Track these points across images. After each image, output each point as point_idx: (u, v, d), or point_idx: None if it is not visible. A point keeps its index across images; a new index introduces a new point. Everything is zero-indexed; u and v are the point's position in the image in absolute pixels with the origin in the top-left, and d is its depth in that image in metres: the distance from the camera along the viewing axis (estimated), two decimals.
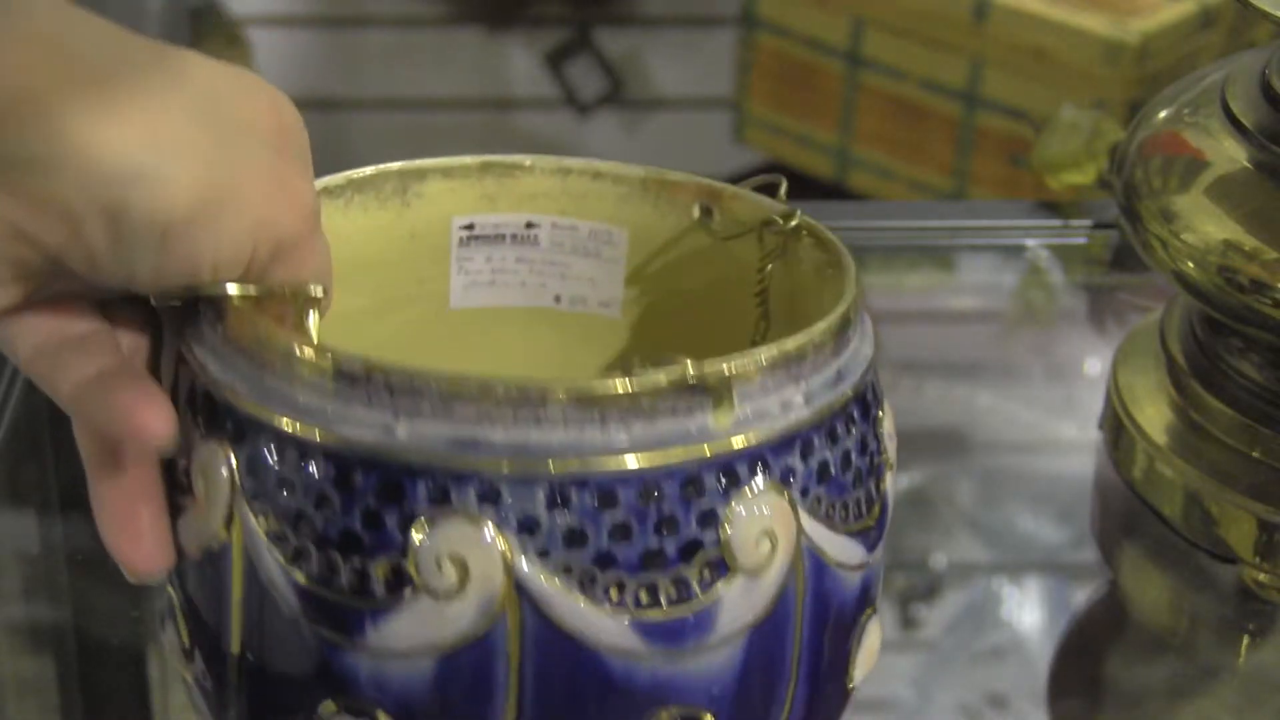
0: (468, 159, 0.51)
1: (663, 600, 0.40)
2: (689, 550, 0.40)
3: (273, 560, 0.41)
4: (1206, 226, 0.60)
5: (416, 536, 0.40)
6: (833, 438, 0.43)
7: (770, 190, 0.51)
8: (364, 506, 0.40)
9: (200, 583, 0.43)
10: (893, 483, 0.46)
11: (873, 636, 0.46)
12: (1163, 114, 0.64)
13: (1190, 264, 0.60)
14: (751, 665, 0.42)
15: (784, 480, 0.41)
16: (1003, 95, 1.53)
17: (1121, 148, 0.65)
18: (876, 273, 0.81)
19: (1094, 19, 1.49)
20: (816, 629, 0.43)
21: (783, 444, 0.41)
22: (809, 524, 0.42)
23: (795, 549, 0.42)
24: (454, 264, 0.51)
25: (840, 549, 0.43)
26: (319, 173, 0.47)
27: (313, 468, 0.40)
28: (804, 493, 0.42)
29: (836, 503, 0.43)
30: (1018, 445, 0.73)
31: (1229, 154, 0.60)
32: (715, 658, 0.42)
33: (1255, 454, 0.62)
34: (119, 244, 0.39)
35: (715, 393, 0.40)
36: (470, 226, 0.51)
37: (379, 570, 0.40)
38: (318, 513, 0.40)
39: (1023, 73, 1.52)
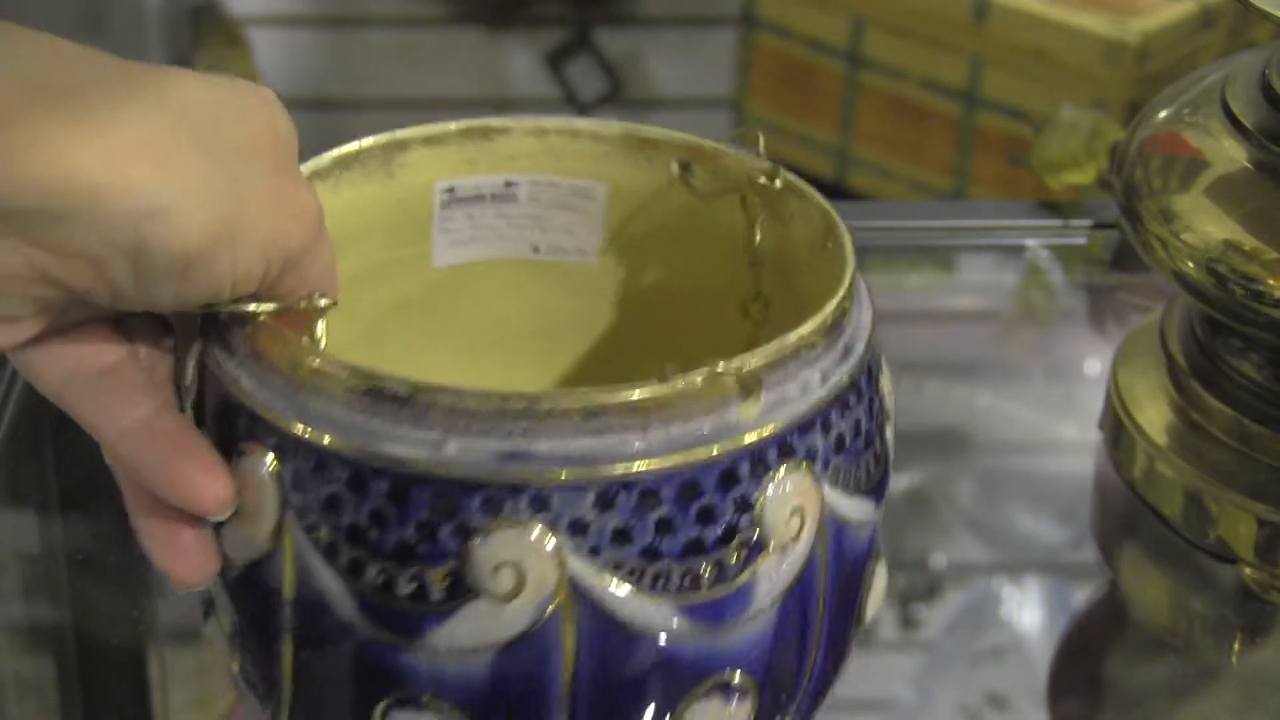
0: (448, 125, 0.52)
1: (704, 583, 0.43)
2: (727, 535, 0.43)
3: (326, 570, 0.43)
4: (1206, 226, 0.60)
5: (473, 546, 0.41)
6: (845, 409, 0.45)
7: (750, 146, 0.52)
8: (419, 520, 0.42)
9: (247, 584, 0.44)
10: (891, 434, 0.48)
11: (880, 581, 0.49)
12: (1163, 114, 0.64)
13: (1190, 264, 0.60)
14: (784, 628, 0.45)
15: (808, 458, 0.44)
16: (1003, 95, 1.53)
17: (1121, 148, 0.65)
18: (877, 273, 0.81)
19: (1094, 19, 1.49)
20: (836, 585, 0.46)
21: (805, 425, 0.44)
22: (830, 494, 0.44)
23: (820, 519, 0.44)
24: (436, 225, 0.53)
25: (855, 510, 0.46)
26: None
27: (365, 486, 0.42)
28: (825, 465, 0.44)
29: (851, 468, 0.45)
30: (1018, 445, 0.73)
31: (1229, 154, 0.60)
32: (752, 627, 0.44)
33: (1255, 454, 0.62)
34: (141, 278, 0.40)
35: (745, 388, 0.42)
36: (451, 190, 0.52)
37: (436, 579, 0.42)
38: (373, 528, 0.42)
39: (1023, 73, 1.52)
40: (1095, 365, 0.77)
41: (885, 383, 0.48)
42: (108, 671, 0.60)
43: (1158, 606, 0.64)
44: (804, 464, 0.44)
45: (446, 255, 0.53)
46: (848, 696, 0.60)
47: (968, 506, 0.70)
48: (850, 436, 0.45)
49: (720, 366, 0.42)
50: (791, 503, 0.43)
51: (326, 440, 0.42)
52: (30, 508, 0.68)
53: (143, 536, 0.44)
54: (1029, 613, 0.64)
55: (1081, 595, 0.66)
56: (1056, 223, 0.81)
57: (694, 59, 1.99)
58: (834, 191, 1.80)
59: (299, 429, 0.42)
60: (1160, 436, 0.64)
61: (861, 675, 0.61)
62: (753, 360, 0.43)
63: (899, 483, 0.69)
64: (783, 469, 0.43)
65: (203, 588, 0.45)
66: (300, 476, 0.42)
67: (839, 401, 0.44)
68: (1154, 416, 0.65)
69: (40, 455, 0.68)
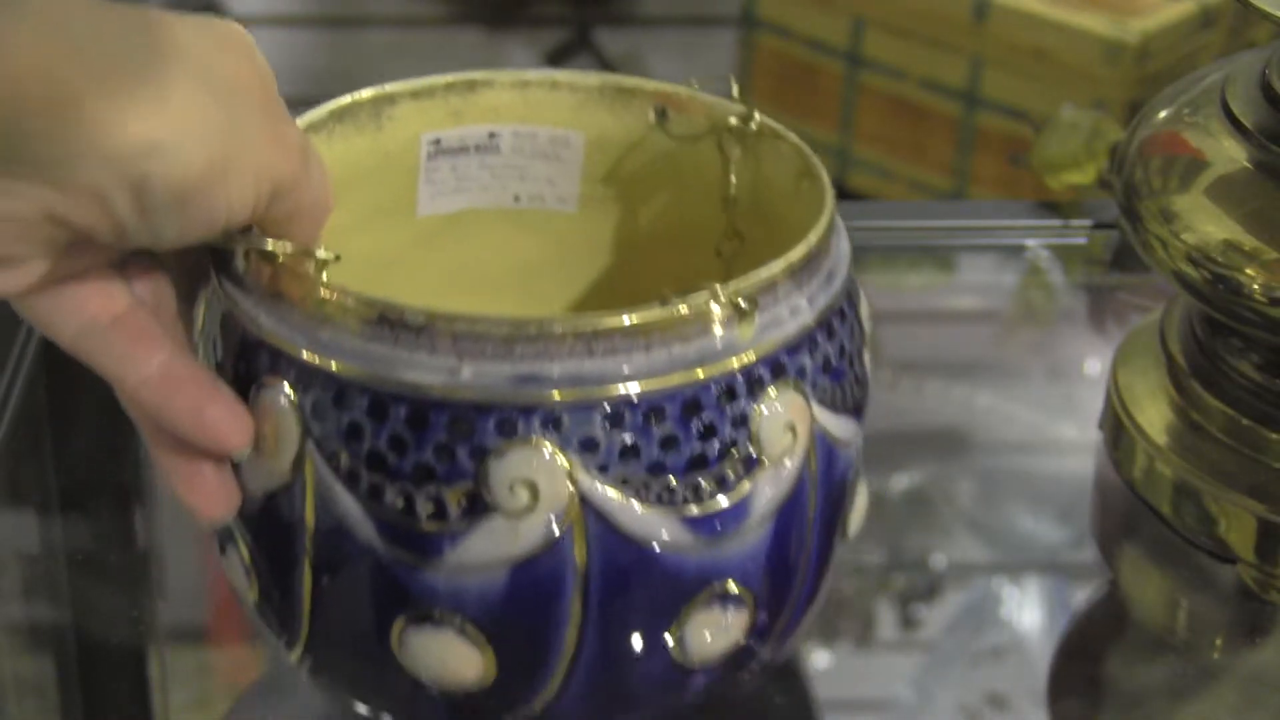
0: (435, 79, 0.54)
1: (706, 496, 0.46)
2: (726, 450, 0.46)
3: (348, 496, 0.45)
4: (1206, 226, 0.60)
5: (488, 466, 0.44)
6: (830, 332, 0.48)
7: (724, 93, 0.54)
8: (436, 443, 0.44)
9: (268, 515, 0.47)
10: (870, 359, 0.51)
11: (861, 497, 0.52)
12: (1163, 114, 0.64)
13: (1190, 264, 0.60)
14: (778, 539, 0.48)
15: (798, 377, 0.47)
16: (1003, 95, 1.53)
17: (1121, 148, 0.65)
18: (877, 272, 0.81)
19: (1094, 19, 1.49)
20: (825, 499, 0.49)
21: (795, 346, 0.47)
22: (819, 412, 0.47)
23: (810, 435, 0.47)
24: (422, 175, 0.55)
25: (841, 428, 0.49)
26: None
27: (383, 412, 0.44)
28: (813, 385, 0.47)
29: (836, 388, 0.48)
30: (1017, 445, 0.73)
31: (1229, 154, 0.60)
32: (749, 539, 0.47)
33: (1255, 454, 0.62)
34: (144, 214, 0.41)
35: (741, 310, 0.45)
36: (437, 141, 0.54)
37: (454, 498, 0.44)
38: (391, 452, 0.44)
39: (1022, 73, 1.52)
40: (1095, 365, 0.77)
41: (864, 309, 0.51)
42: (108, 672, 0.60)
43: (1157, 606, 0.64)
44: (795, 383, 0.46)
45: (432, 205, 0.55)
46: (848, 697, 0.60)
47: (968, 506, 0.69)
48: (835, 358, 0.48)
49: (718, 290, 0.45)
50: (785, 419, 0.46)
51: (345, 370, 0.44)
52: (30, 508, 0.68)
53: (165, 474, 0.46)
54: (1029, 613, 0.64)
55: (1081, 595, 0.66)
56: (1056, 223, 0.81)
57: (694, 59, 1.99)
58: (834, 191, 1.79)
59: (318, 361, 0.44)
60: (1160, 436, 0.64)
61: (861, 675, 0.61)
62: (747, 284, 0.45)
63: (899, 483, 0.69)
64: (776, 387, 0.46)
65: (226, 522, 0.47)
66: (320, 407, 0.45)
67: (825, 325, 0.47)
68: (1154, 416, 0.65)
69: (40, 455, 0.68)
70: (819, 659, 0.61)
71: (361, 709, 0.52)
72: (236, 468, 0.46)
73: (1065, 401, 0.75)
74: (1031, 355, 0.79)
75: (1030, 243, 0.81)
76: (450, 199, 0.56)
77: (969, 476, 0.71)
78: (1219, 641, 0.62)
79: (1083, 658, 0.62)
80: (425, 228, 0.56)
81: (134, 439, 0.71)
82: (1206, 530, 0.62)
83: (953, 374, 0.77)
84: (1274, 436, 0.62)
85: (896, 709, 0.59)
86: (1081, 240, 0.81)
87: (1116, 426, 0.66)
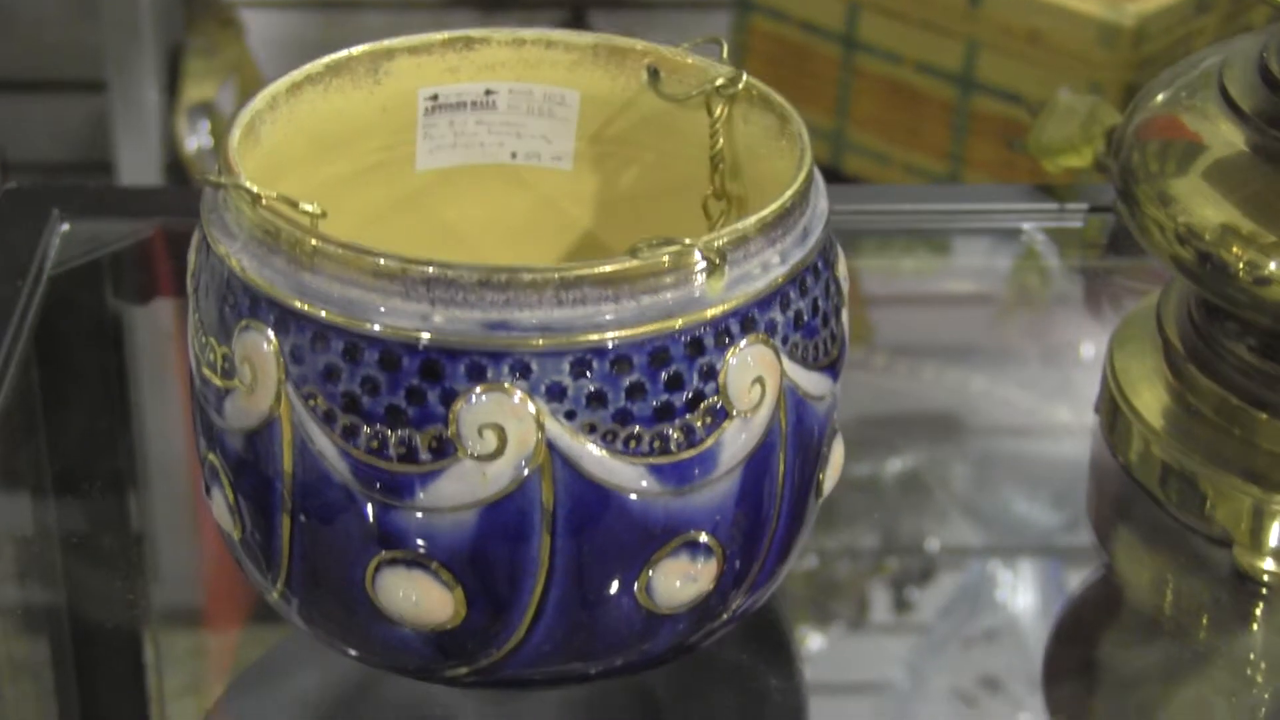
0: (432, 35, 0.55)
1: (673, 446, 0.47)
2: (694, 401, 0.47)
3: (323, 436, 0.46)
4: (1204, 210, 0.60)
5: (458, 410, 0.45)
6: (803, 289, 0.49)
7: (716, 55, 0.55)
8: (408, 386, 0.45)
9: (248, 455, 0.48)
10: (847, 317, 0.52)
11: (837, 454, 0.53)
12: (1160, 97, 0.63)
13: (1187, 248, 0.60)
14: (746, 492, 0.49)
15: (768, 331, 0.48)
16: (998, 79, 1.53)
17: (1118, 131, 0.65)
18: (871, 256, 0.81)
19: (1090, 2, 1.48)
20: (796, 454, 0.50)
21: (765, 300, 0.47)
22: (789, 366, 0.48)
23: (779, 390, 0.48)
24: (420, 131, 0.56)
25: (813, 384, 0.50)
26: None
27: (358, 356, 0.45)
28: (784, 340, 0.48)
29: (809, 344, 0.49)
30: (1013, 429, 0.73)
31: (1226, 137, 0.60)
32: (717, 490, 0.48)
33: (1250, 437, 0.62)
34: None
35: (711, 263, 0.46)
36: (435, 97, 0.55)
37: (425, 441, 0.46)
38: (365, 394, 0.46)
39: (1018, 56, 1.51)
40: (1090, 349, 0.77)
41: (841, 268, 0.52)
42: (102, 655, 0.60)
43: (1152, 589, 0.64)
44: (764, 337, 0.47)
45: (429, 160, 0.56)
46: (841, 679, 0.60)
47: (962, 490, 0.69)
48: (808, 314, 0.49)
49: (689, 243, 0.46)
50: (753, 373, 0.47)
51: (324, 314, 0.46)
52: (24, 490, 0.68)
53: None
54: (1023, 596, 0.64)
55: (1076, 578, 0.66)
56: (1052, 206, 0.80)
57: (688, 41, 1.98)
58: (829, 175, 1.79)
59: (298, 304, 0.46)
60: (1156, 420, 0.64)
61: (855, 658, 0.61)
62: (717, 239, 0.46)
63: (893, 466, 0.69)
64: (745, 341, 0.47)
65: None
66: (299, 349, 0.46)
67: (797, 281, 0.48)
68: (1150, 400, 0.65)
69: (34, 439, 0.68)
70: (812, 642, 0.61)
71: (349, 687, 0.54)
72: (220, 408, 0.48)
73: (1060, 385, 0.75)
74: (1027, 339, 0.79)
75: (1026, 226, 0.80)
76: (447, 154, 0.57)
77: (964, 460, 0.71)
78: (1213, 624, 0.62)
79: (1077, 641, 0.62)
80: (422, 183, 0.57)
81: (128, 422, 0.71)
82: (1201, 513, 0.62)
83: (948, 357, 0.77)
84: (1269, 420, 0.62)
85: (890, 692, 0.59)
86: (1078, 224, 0.81)
87: (1112, 410, 0.66)
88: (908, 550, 0.66)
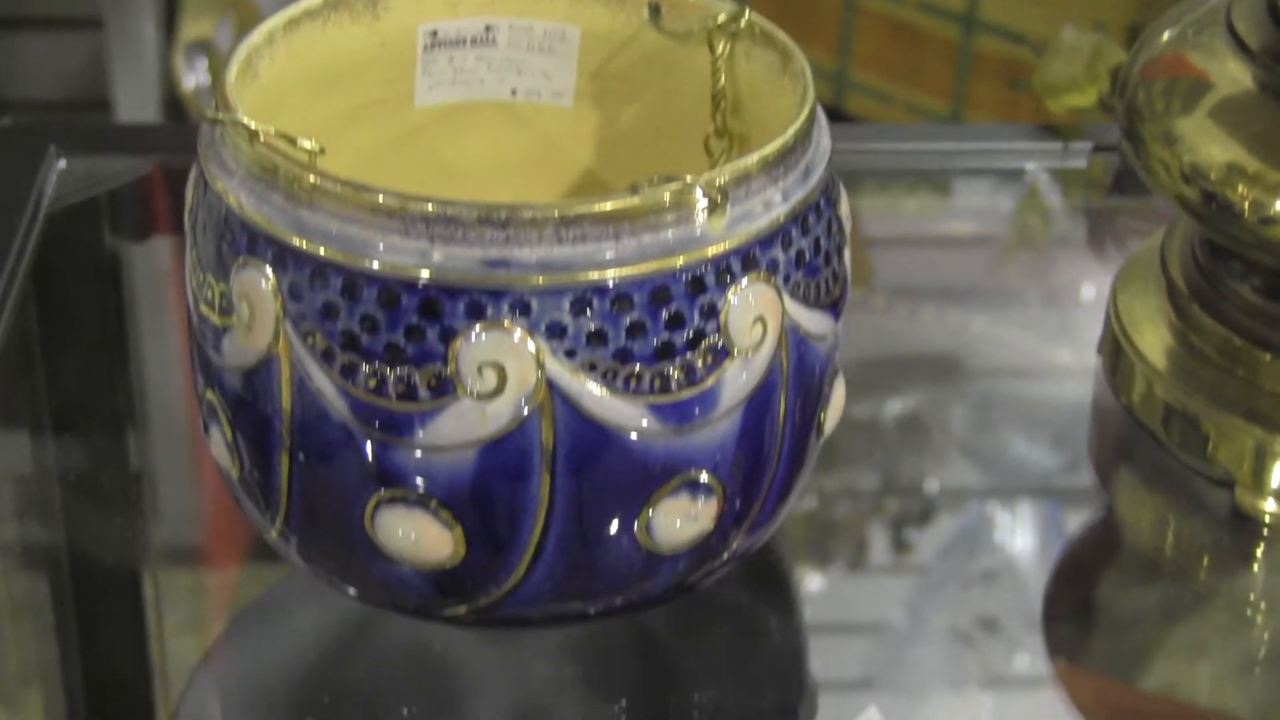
0: None
1: (674, 385, 0.47)
2: (694, 340, 0.47)
3: (322, 374, 0.46)
4: (1209, 149, 0.59)
5: (457, 348, 0.45)
6: (805, 228, 0.48)
7: None
8: (407, 324, 0.45)
9: (246, 393, 0.48)
10: (849, 257, 0.52)
11: (838, 394, 0.53)
12: (1165, 35, 0.63)
13: (1192, 187, 0.59)
14: (747, 432, 0.48)
15: (769, 270, 0.47)
16: (1002, 18, 1.52)
17: (1123, 70, 0.64)
18: (873, 196, 0.81)
19: None
20: (797, 394, 0.49)
21: (767, 239, 0.47)
22: (790, 305, 0.48)
23: (780, 329, 0.48)
24: (420, 67, 0.56)
25: (815, 323, 0.49)
26: None
27: (357, 293, 0.45)
28: (786, 279, 0.48)
29: (810, 283, 0.49)
30: (1014, 370, 0.73)
31: (1233, 76, 0.60)
32: (718, 429, 0.48)
33: (1254, 378, 0.62)
34: None
35: (712, 201, 0.46)
36: (434, 33, 0.55)
37: (424, 379, 0.46)
38: (364, 332, 0.46)
39: None
40: (1093, 290, 0.77)
41: (844, 207, 0.51)
42: (102, 593, 0.60)
43: (1152, 530, 0.64)
44: (766, 276, 0.47)
45: (429, 97, 0.56)
46: (839, 619, 0.60)
47: (963, 431, 0.69)
48: (810, 253, 0.49)
49: (690, 181, 0.46)
50: (754, 311, 0.47)
51: (322, 251, 0.45)
52: (23, 429, 0.68)
53: None
54: (1022, 537, 0.64)
55: (1076, 519, 0.66)
56: (1056, 146, 0.80)
57: None
58: (831, 115, 1.79)
59: (296, 241, 0.46)
60: (1159, 360, 0.64)
61: (853, 598, 0.61)
62: (719, 176, 0.46)
63: (893, 407, 0.69)
64: (746, 280, 0.47)
65: None
66: (297, 286, 0.46)
67: (799, 219, 0.48)
68: (1153, 340, 0.65)
69: (32, 377, 0.68)
70: (812, 582, 0.62)
71: (348, 626, 0.54)
72: (218, 346, 0.48)
73: (1063, 326, 0.75)
74: (1029, 279, 0.79)
75: (1029, 166, 0.80)
76: (447, 91, 0.56)
77: (964, 401, 0.71)
78: (1213, 565, 0.62)
79: (1076, 582, 0.62)
80: (421, 119, 0.57)
81: (126, 360, 0.71)
82: (1203, 454, 0.62)
83: (949, 298, 0.77)
84: (1272, 361, 0.62)
85: (888, 632, 0.60)
86: (1082, 164, 0.80)
87: (1115, 350, 0.66)
88: (908, 491, 0.66)
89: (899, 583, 0.62)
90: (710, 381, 0.47)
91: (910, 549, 0.63)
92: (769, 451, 0.50)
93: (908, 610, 0.60)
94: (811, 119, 0.49)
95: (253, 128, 0.47)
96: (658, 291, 0.46)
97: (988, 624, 0.59)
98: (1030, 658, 0.59)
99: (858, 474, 0.67)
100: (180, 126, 1.32)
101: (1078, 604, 0.61)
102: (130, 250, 0.78)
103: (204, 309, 0.49)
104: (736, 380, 0.48)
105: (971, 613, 0.60)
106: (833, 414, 0.53)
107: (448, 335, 0.45)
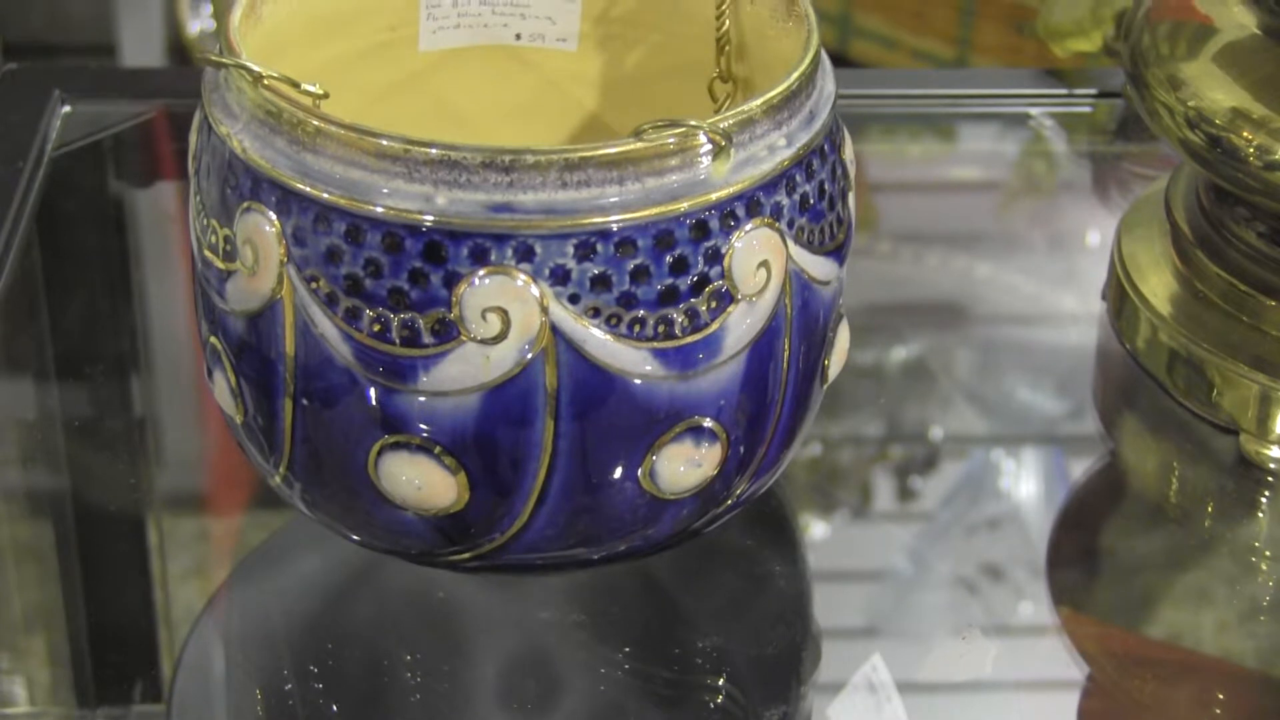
0: None
1: (677, 330, 0.47)
2: (698, 285, 0.46)
3: (326, 319, 0.46)
4: (1214, 94, 0.59)
5: (461, 293, 0.45)
6: (809, 172, 0.48)
7: None
8: (411, 269, 0.45)
9: (250, 337, 0.48)
10: (853, 202, 0.52)
11: (842, 339, 0.53)
12: None
13: (1196, 132, 0.59)
14: (751, 377, 0.48)
15: (773, 215, 0.47)
16: None
17: (1129, 14, 0.64)
18: (878, 142, 0.81)
19: None
20: (801, 339, 0.49)
21: (771, 184, 0.47)
22: (795, 250, 0.48)
23: (784, 273, 0.48)
24: (423, 11, 0.56)
25: (819, 268, 0.49)
26: None
27: (361, 237, 0.45)
28: (790, 224, 0.48)
29: (815, 228, 0.49)
30: (1018, 317, 0.73)
31: (1238, 20, 0.60)
32: (721, 375, 0.48)
33: (1258, 324, 0.62)
34: None
35: (716, 145, 0.46)
36: None
37: (428, 324, 0.46)
38: (368, 277, 0.45)
39: None
40: (1098, 235, 0.77)
41: (848, 151, 0.51)
42: (106, 539, 0.60)
43: (1157, 477, 0.64)
44: (770, 220, 0.47)
45: (432, 41, 0.56)
46: (844, 567, 0.60)
47: (966, 378, 0.69)
48: (814, 198, 0.49)
49: (694, 125, 0.45)
50: (758, 256, 0.47)
51: (326, 196, 0.45)
52: (27, 374, 0.67)
53: None
54: (1027, 484, 0.64)
55: (1080, 467, 0.66)
56: (1061, 91, 0.80)
57: None
58: (835, 60, 1.78)
59: (300, 186, 0.46)
60: (1164, 306, 0.64)
61: (858, 546, 0.61)
62: (723, 121, 0.46)
63: (898, 354, 0.69)
64: (750, 224, 0.47)
65: None
66: (301, 230, 0.46)
67: (803, 164, 0.48)
68: (1157, 286, 0.64)
69: (36, 321, 0.68)
70: (816, 529, 0.62)
71: (352, 571, 0.54)
72: (222, 290, 0.48)
73: (1067, 272, 0.75)
74: (1034, 225, 0.79)
75: (1034, 111, 0.80)
76: (451, 35, 0.56)
77: (968, 347, 0.71)
78: (1217, 512, 0.62)
79: (1081, 529, 0.62)
80: (425, 63, 0.57)
81: (129, 305, 0.71)
82: (1208, 400, 0.62)
83: (953, 244, 0.76)
84: (1277, 306, 0.61)
85: (893, 579, 0.60)
86: (1086, 108, 0.80)
87: (1120, 296, 0.65)
88: (912, 437, 0.66)
89: (903, 530, 0.62)
90: (714, 326, 0.47)
91: (914, 496, 0.63)
92: (773, 397, 0.49)
93: (911, 557, 0.60)
94: (816, 63, 0.49)
95: (257, 71, 0.46)
96: (661, 236, 0.46)
97: (992, 571, 0.59)
98: (1034, 605, 0.59)
99: (862, 420, 0.66)
100: (184, 71, 1.32)
101: (1082, 551, 0.61)
102: (134, 195, 0.77)
103: (208, 254, 0.49)
104: (740, 325, 0.47)
105: (976, 560, 0.60)
106: (837, 359, 0.53)
107: (451, 280, 0.45)
